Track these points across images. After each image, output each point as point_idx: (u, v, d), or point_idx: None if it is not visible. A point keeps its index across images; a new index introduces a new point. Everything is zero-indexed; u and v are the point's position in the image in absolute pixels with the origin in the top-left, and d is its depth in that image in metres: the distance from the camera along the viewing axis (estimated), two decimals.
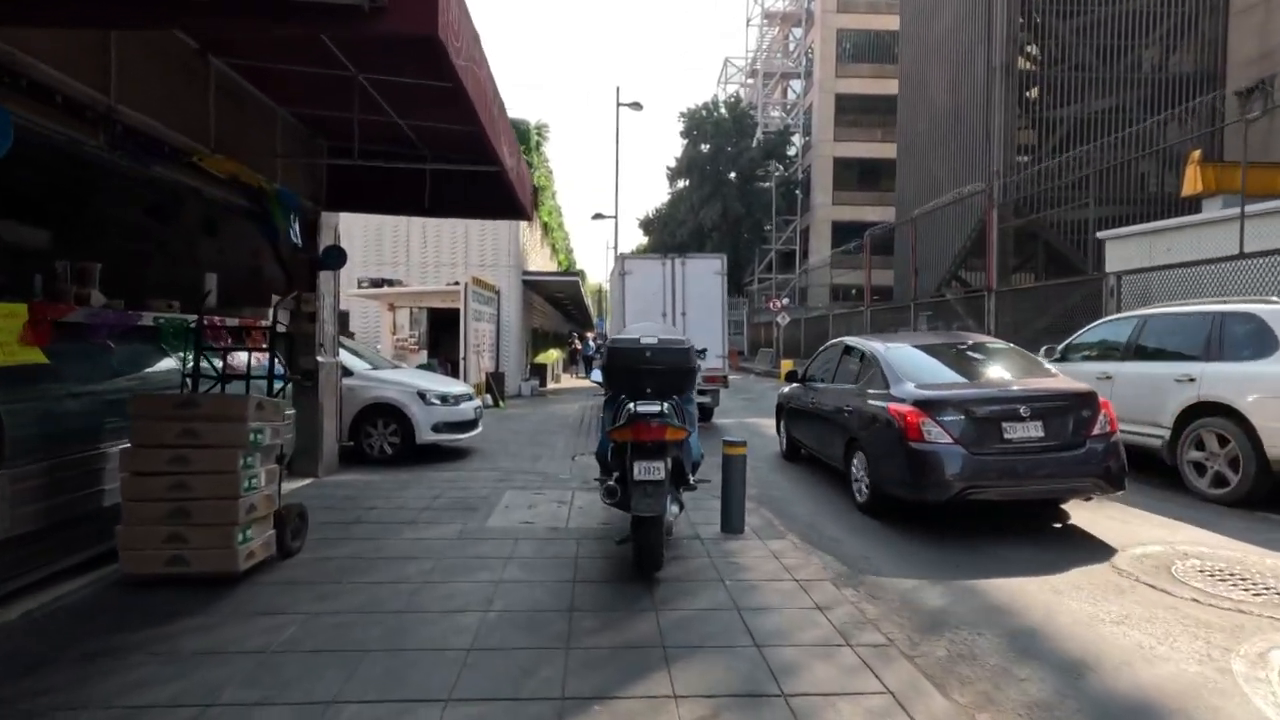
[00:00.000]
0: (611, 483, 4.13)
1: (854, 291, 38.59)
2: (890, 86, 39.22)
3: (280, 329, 5.98)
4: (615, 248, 20.33)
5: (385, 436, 7.91)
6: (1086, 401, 5.33)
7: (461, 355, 14.00)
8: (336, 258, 7.01)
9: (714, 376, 11.89)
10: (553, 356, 23.44)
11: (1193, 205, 16.70)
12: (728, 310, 12.49)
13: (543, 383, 20.13)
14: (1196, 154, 16.45)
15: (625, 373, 4.16)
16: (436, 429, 7.99)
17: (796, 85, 46.84)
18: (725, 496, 5.12)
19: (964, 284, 29.35)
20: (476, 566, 4.29)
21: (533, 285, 19.64)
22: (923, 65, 32.00)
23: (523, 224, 18.73)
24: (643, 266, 11.86)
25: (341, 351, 7.87)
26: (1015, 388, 5.54)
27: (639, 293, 11.76)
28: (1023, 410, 5.17)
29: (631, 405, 4.21)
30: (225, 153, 5.17)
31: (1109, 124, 24.54)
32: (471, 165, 6.09)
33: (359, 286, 14.70)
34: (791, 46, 46.81)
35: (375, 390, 7.93)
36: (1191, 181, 15.93)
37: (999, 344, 6.78)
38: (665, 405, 4.19)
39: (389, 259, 18.06)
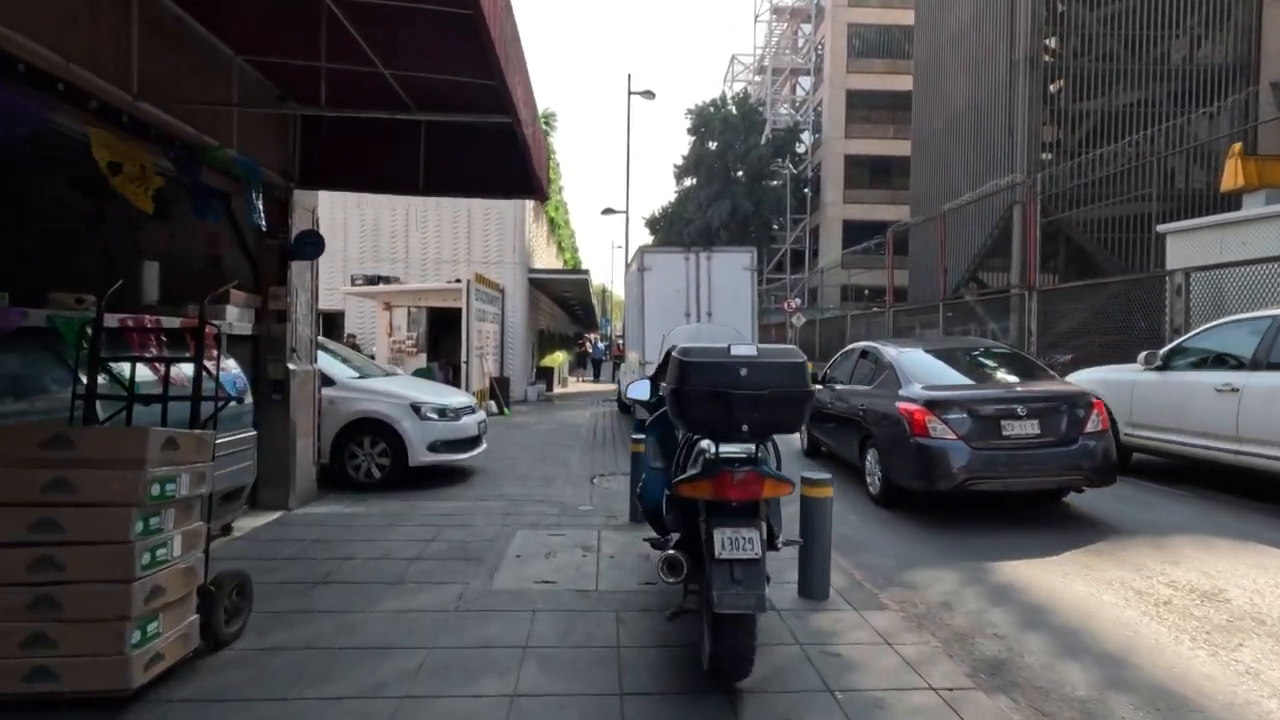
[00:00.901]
0: (673, 552, 2.88)
1: (866, 292, 37.41)
2: (903, 83, 37.99)
3: (227, 330, 4.76)
4: (626, 245, 19.10)
5: (373, 457, 6.68)
6: (1079, 402, 5.68)
7: (463, 358, 12.78)
8: (312, 245, 5.78)
9: None
10: (559, 359, 22.22)
11: (1232, 201, 15.53)
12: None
13: (549, 387, 18.91)
14: (1237, 147, 15.28)
15: (708, 400, 2.78)
16: (433, 448, 6.75)
17: (805, 82, 45.61)
18: (806, 553, 3.88)
19: (981, 285, 28.15)
20: (480, 664, 3.04)
21: (539, 284, 18.43)
22: (939, 59, 30.78)
23: (528, 219, 17.51)
24: (664, 261, 10.63)
25: (321, 356, 6.65)
26: (1016, 389, 5.96)
27: (659, 291, 10.53)
28: (1020, 410, 5.54)
29: (708, 445, 2.96)
30: (156, 102, 3.95)
31: (1137, 118, 23.41)
32: (476, 116, 4.86)
33: (353, 284, 13.48)
34: (800, 42, 45.58)
35: (361, 403, 6.70)
36: (1232, 175, 14.79)
37: (1003, 348, 7.39)
38: (759, 448, 2.94)
39: (386, 255, 16.85)
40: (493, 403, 13.52)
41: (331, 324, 17.89)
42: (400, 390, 6.99)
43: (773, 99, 45.28)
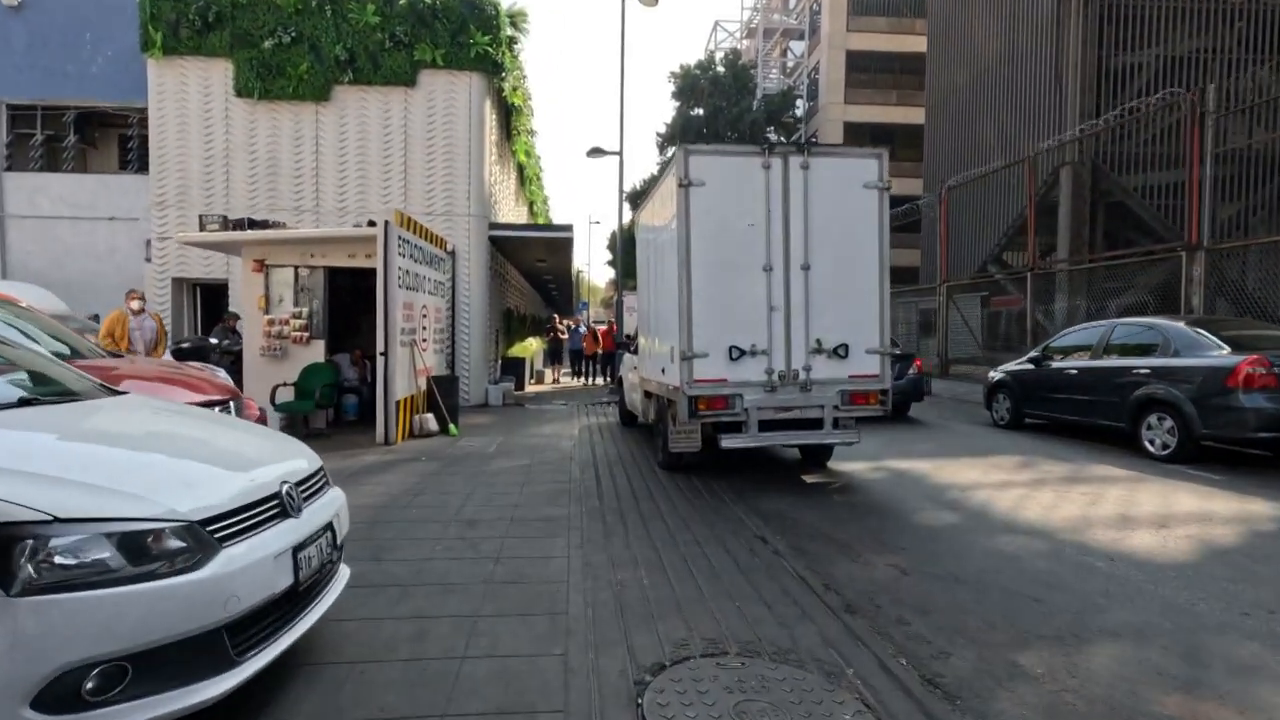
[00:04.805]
0: None
1: None
2: (908, 44, 33.58)
3: None
4: (620, 192, 14.08)
5: None
6: None
7: (381, 348, 7.69)
8: None
9: (863, 394, 5.79)
10: (531, 348, 17.13)
11: None
12: None
13: (519, 384, 13.84)
14: None
15: None
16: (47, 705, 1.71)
17: (796, 48, 40.80)
18: None
19: (1005, 265, 23.88)
20: None
21: (505, 246, 13.27)
22: (962, 5, 26.24)
23: (489, 158, 12.31)
24: (726, 170, 5.65)
25: None
26: None
27: (718, 222, 5.58)
28: None
29: None
30: None
31: (1201, 68, 19.22)
32: None
33: (201, 227, 8.21)
34: (792, 2, 40.68)
35: None
36: None
37: None
38: None
39: (289, 204, 11.55)
40: (431, 418, 8.44)
41: (216, 300, 12.54)
42: None
43: (764, 59, 40.31)
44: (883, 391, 5.79)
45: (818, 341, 5.67)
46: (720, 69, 35.15)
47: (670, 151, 36.41)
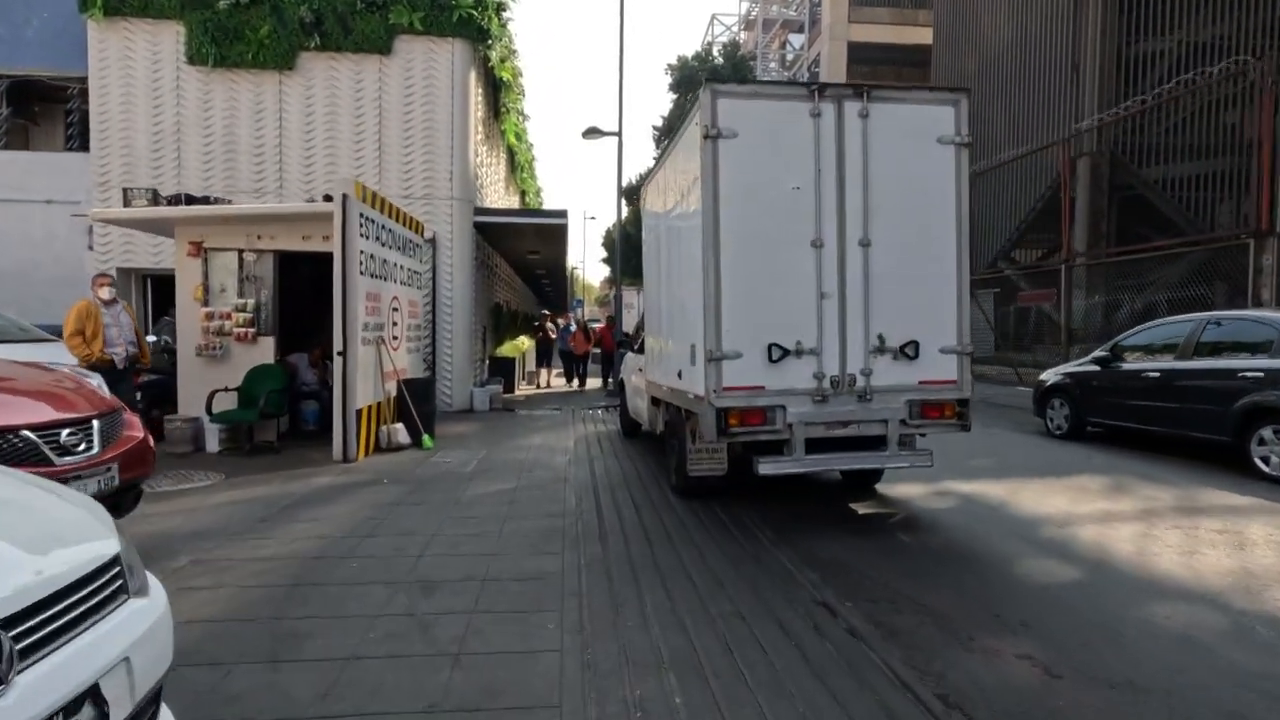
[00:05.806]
0: None
1: None
2: (911, 35, 32.46)
3: None
4: (619, 176, 12.74)
5: None
6: None
7: (339, 346, 6.39)
8: None
9: (936, 405, 4.54)
10: (523, 346, 15.80)
11: None
12: None
13: (509, 386, 12.54)
14: None
15: None
16: None
17: (796, 41, 39.61)
18: None
19: (1015, 263, 22.70)
20: None
21: (492, 234, 11.95)
22: None
23: (473, 135, 10.98)
24: (763, 119, 4.36)
25: None
26: None
27: (752, 185, 4.31)
28: None
29: None
30: None
31: (1222, 55, 18.12)
32: None
33: (126, 202, 6.86)
34: None
35: None
36: None
37: None
38: None
39: (248, 183, 10.19)
40: (400, 428, 7.14)
41: (170, 293, 11.16)
42: None
43: (762, 52, 39.09)
44: (961, 402, 4.53)
45: (880, 338, 4.41)
46: (719, 60, 33.88)
47: (661, 144, 35.11)
